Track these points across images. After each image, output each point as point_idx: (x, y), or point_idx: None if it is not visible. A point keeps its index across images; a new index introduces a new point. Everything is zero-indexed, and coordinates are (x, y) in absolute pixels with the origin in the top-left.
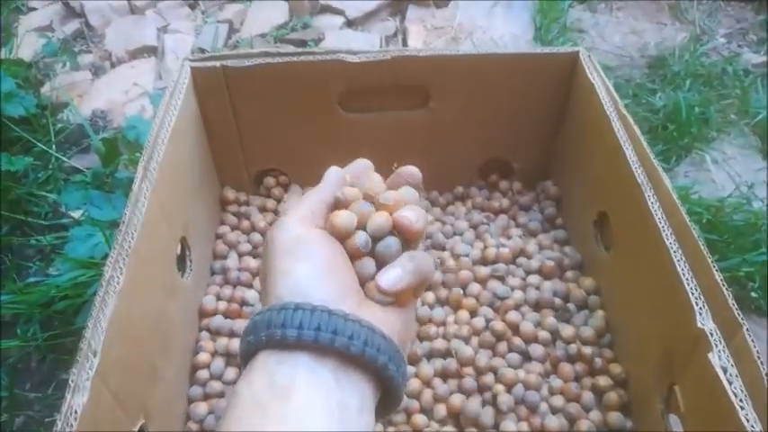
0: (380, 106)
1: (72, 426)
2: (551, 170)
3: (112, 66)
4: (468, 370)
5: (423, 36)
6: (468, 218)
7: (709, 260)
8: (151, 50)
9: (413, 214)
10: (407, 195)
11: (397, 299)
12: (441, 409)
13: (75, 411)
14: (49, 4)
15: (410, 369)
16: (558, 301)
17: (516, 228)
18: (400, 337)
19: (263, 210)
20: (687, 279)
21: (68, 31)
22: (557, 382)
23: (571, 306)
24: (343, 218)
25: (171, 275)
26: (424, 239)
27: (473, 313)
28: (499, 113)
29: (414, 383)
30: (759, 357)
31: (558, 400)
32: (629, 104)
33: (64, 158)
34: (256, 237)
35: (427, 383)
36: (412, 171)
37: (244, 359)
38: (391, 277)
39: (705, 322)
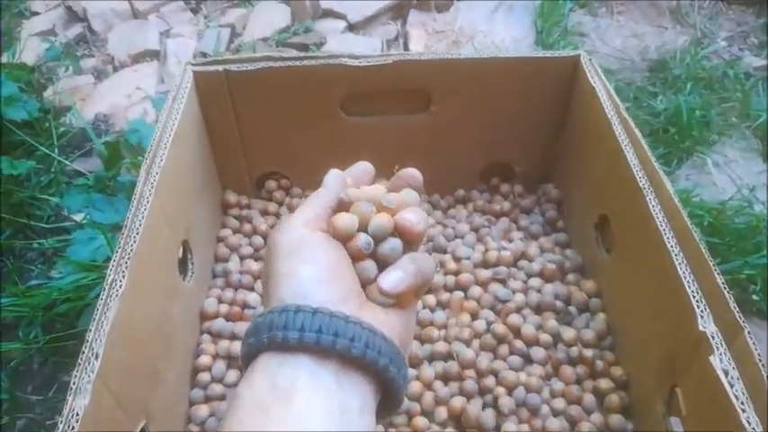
0: (382, 110)
1: (73, 428)
2: (552, 173)
3: (115, 70)
4: (470, 372)
5: (424, 40)
6: (470, 221)
7: (711, 263)
8: (154, 54)
9: (414, 216)
10: (408, 197)
11: (398, 300)
12: (442, 412)
13: (77, 414)
14: (51, 9)
15: (411, 372)
16: (559, 303)
17: (517, 231)
18: (401, 338)
19: (264, 213)
20: (688, 282)
21: (71, 36)
22: (558, 385)
23: (572, 309)
24: (345, 220)
25: (173, 278)
26: (425, 242)
27: (474, 316)
28: (500, 117)
29: (415, 386)
30: (760, 360)
31: (559, 403)
32: (630, 108)
33: (66, 162)
34: (258, 240)
35: (428, 386)
36: (413, 173)
37: (245, 361)
38: (393, 279)
39: (706, 325)
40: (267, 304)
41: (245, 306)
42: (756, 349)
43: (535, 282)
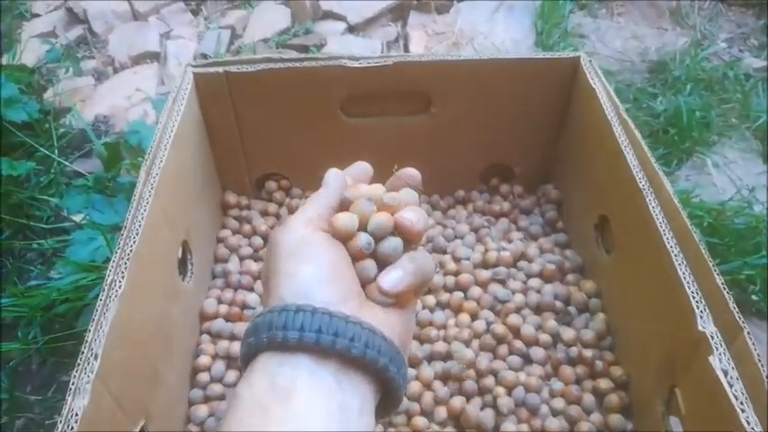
0: (382, 111)
1: (72, 428)
2: (552, 174)
3: (115, 71)
4: (469, 372)
5: (424, 41)
6: (470, 221)
7: (710, 263)
8: (154, 56)
9: (413, 215)
10: (408, 197)
11: (397, 300)
12: (441, 412)
13: (76, 414)
14: (52, 11)
15: (411, 371)
16: (558, 304)
17: (517, 231)
18: (401, 338)
19: (264, 214)
20: (688, 282)
21: (71, 37)
22: (557, 385)
23: (572, 309)
24: (345, 220)
25: (172, 279)
26: (424, 243)
27: (474, 316)
28: (500, 118)
29: (414, 386)
30: (760, 360)
31: (558, 403)
32: (630, 109)
33: (66, 163)
34: (257, 240)
35: (428, 386)
36: (412, 173)
37: (244, 361)
38: (392, 278)
39: (706, 325)
40: (267, 303)
41: (244, 306)
42: (756, 349)
43: (535, 282)
